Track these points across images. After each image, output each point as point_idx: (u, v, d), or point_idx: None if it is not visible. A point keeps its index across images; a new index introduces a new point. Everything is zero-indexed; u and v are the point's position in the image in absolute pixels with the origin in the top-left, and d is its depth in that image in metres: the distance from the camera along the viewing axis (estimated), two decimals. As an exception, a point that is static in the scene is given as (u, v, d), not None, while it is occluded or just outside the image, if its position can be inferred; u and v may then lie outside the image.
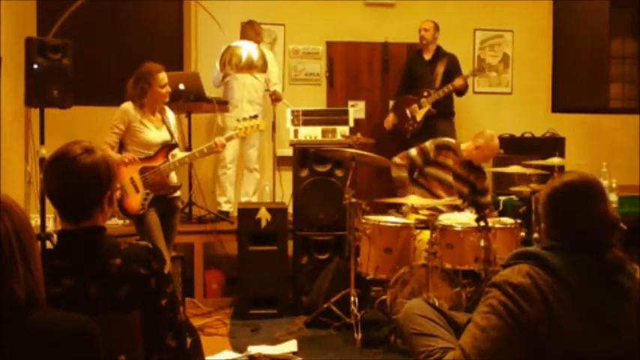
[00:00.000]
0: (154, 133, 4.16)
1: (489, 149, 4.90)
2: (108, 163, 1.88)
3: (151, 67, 4.11)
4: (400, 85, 6.27)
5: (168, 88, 4.16)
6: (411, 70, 6.17)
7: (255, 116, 4.53)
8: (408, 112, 6.01)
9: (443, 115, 5.98)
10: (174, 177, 4.28)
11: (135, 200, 4.08)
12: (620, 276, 1.90)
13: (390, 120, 6.13)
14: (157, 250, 1.91)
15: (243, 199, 5.75)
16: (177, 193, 4.35)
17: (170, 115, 4.32)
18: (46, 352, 1.43)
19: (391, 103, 6.41)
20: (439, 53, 6.12)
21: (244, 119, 4.40)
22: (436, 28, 6.10)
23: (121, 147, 4.15)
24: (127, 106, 4.11)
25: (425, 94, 5.92)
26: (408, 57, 6.36)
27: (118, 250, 1.84)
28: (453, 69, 6.03)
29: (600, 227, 1.93)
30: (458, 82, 5.84)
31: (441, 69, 6.00)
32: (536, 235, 4.40)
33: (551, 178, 2.12)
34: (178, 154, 4.27)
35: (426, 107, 5.90)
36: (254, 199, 5.79)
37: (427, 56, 6.12)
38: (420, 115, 5.93)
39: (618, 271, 1.89)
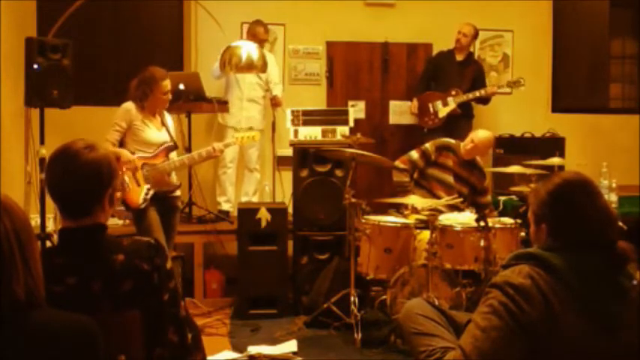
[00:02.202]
0: (155, 133, 4.20)
1: (479, 140, 4.86)
2: (110, 161, 1.89)
3: (155, 73, 4.13)
4: (424, 78, 6.25)
5: (169, 95, 4.20)
6: (440, 67, 6.17)
7: (251, 128, 4.70)
8: (430, 106, 6.02)
9: (464, 117, 6.02)
10: (174, 177, 4.32)
11: (136, 194, 4.11)
12: (621, 276, 1.90)
13: (415, 106, 6.12)
14: (159, 246, 1.91)
15: (244, 198, 5.76)
16: (177, 193, 4.37)
17: (169, 119, 4.37)
18: (46, 352, 1.43)
19: (391, 103, 6.42)
20: (470, 59, 6.18)
21: (242, 129, 4.51)
22: (475, 34, 6.15)
23: (121, 145, 4.17)
24: (129, 105, 4.15)
25: (453, 92, 5.94)
26: (437, 53, 6.34)
27: (120, 246, 1.85)
28: (479, 77, 6.13)
29: (604, 222, 1.93)
30: (491, 89, 5.95)
31: (470, 74, 6.07)
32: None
33: (544, 179, 2.10)
34: (176, 158, 4.31)
35: (452, 106, 5.94)
36: (254, 199, 5.79)
37: (459, 57, 6.15)
38: (443, 112, 5.95)
39: (626, 263, 1.89)
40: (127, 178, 4.06)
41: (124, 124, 4.12)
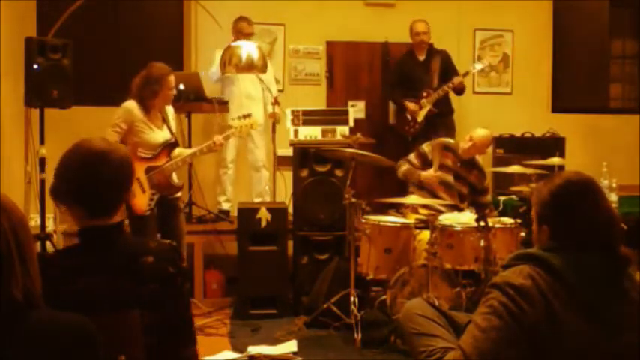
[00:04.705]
0: (157, 133, 4.13)
1: (477, 139, 4.86)
2: (130, 160, 1.94)
3: (161, 70, 4.08)
4: (393, 87, 6.18)
5: (174, 90, 4.16)
6: (405, 72, 6.09)
7: (249, 115, 4.50)
8: (407, 114, 5.97)
9: (443, 114, 5.96)
10: (175, 177, 4.27)
11: (142, 200, 4.05)
12: (621, 276, 1.90)
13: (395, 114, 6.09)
14: (179, 249, 1.96)
15: (256, 199, 5.73)
16: (178, 194, 4.33)
17: (170, 111, 4.28)
18: (45, 352, 1.43)
19: (391, 103, 6.43)
20: (432, 52, 6.09)
21: (238, 118, 4.37)
22: (429, 27, 6.07)
23: None
24: (130, 105, 4.06)
25: (424, 94, 5.89)
26: (399, 59, 6.28)
27: (148, 248, 1.86)
28: (448, 66, 6.02)
29: (606, 224, 1.93)
30: (457, 79, 5.82)
31: (436, 67, 5.97)
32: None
33: (547, 179, 2.10)
34: (181, 151, 4.25)
35: (427, 107, 5.88)
36: (267, 199, 5.75)
37: (421, 57, 6.08)
38: (421, 115, 5.89)
39: (627, 268, 1.89)
40: None
41: (124, 125, 4.03)
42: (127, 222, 4.94)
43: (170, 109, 4.28)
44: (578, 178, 2.00)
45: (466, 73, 5.93)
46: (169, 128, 4.20)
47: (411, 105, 5.94)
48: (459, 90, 5.96)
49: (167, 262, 1.85)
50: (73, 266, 1.73)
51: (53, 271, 1.73)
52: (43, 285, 1.58)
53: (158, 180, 4.08)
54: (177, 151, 4.25)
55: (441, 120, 5.91)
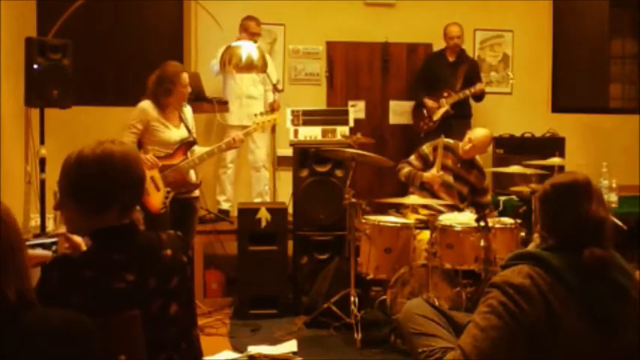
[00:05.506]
0: (173, 132, 4.15)
1: (476, 139, 4.86)
2: (137, 161, 1.95)
3: (176, 68, 4.12)
4: (418, 84, 6.25)
5: (189, 88, 4.17)
6: (432, 70, 6.16)
7: (272, 110, 4.55)
8: (425, 111, 6.03)
9: (459, 116, 5.99)
10: (193, 175, 4.28)
11: (156, 198, 4.06)
12: (619, 275, 1.90)
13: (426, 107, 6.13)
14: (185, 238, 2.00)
15: (256, 199, 5.73)
16: (196, 193, 4.35)
17: (188, 110, 4.31)
18: (42, 351, 1.43)
19: (391, 103, 6.44)
20: (462, 57, 6.16)
21: (261, 114, 4.41)
22: (462, 31, 6.13)
23: (139, 146, 4.12)
24: (146, 104, 4.09)
25: (445, 94, 5.95)
26: (428, 57, 6.35)
27: (163, 241, 1.88)
28: (474, 74, 6.10)
29: (581, 228, 1.92)
30: (480, 86, 5.92)
31: (462, 72, 6.05)
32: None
33: (547, 179, 2.12)
34: (197, 150, 4.27)
35: (445, 107, 5.93)
36: (267, 199, 5.75)
37: (451, 58, 6.13)
38: (437, 114, 5.95)
39: (598, 270, 1.89)
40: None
41: (140, 125, 4.05)
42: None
43: (188, 109, 4.31)
44: (565, 183, 2.00)
45: (490, 82, 6.05)
46: (187, 127, 4.22)
47: (429, 102, 6.02)
48: (479, 96, 6.04)
49: (181, 252, 1.89)
50: (102, 267, 1.74)
51: (84, 272, 1.73)
52: (74, 287, 1.65)
53: (174, 178, 4.10)
54: (196, 149, 4.27)
55: (457, 122, 5.94)
